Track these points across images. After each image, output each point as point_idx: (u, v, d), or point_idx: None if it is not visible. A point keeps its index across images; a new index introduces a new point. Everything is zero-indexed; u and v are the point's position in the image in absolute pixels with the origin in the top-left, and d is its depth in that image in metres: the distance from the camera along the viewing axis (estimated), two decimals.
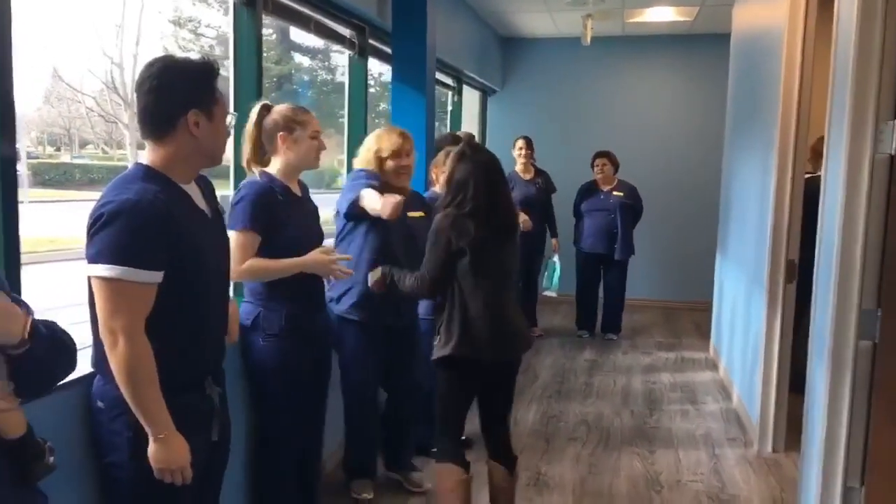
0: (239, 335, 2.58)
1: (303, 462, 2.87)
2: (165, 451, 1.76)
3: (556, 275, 6.10)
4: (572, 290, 6.53)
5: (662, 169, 7.60)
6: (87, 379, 1.88)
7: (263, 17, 3.24)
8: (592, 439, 4.14)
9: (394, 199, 2.81)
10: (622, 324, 6.58)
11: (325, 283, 2.83)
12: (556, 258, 6.14)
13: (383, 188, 3.04)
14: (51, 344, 1.32)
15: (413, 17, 4.25)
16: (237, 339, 2.57)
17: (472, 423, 2.98)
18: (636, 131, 7.66)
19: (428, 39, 4.29)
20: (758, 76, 4.63)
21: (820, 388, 2.56)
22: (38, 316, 1.38)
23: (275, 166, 2.64)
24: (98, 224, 1.70)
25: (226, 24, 3.14)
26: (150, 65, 1.80)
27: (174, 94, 1.79)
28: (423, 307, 3.48)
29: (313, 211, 2.80)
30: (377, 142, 3.19)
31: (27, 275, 1.95)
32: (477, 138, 6.45)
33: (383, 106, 9.07)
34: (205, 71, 1.83)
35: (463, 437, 2.94)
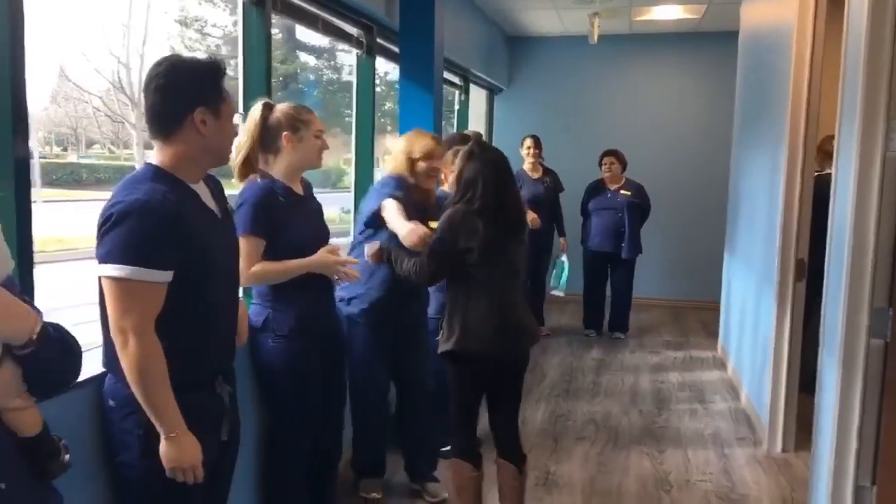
0: (248, 336, 2.57)
1: (318, 463, 2.87)
2: (177, 449, 1.77)
3: (564, 274, 6.09)
4: (579, 289, 6.52)
5: (670, 167, 7.58)
6: (98, 378, 1.89)
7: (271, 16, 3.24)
8: (601, 438, 4.14)
9: (421, 231, 2.79)
10: (629, 323, 6.57)
11: (335, 281, 2.82)
12: (564, 257, 6.13)
13: (412, 191, 3.05)
14: (58, 346, 1.33)
15: (421, 15, 4.25)
16: (246, 341, 2.57)
17: (482, 422, 2.98)
18: (644, 130, 7.64)
19: (436, 38, 4.29)
20: (767, 74, 4.61)
21: (831, 387, 2.55)
22: (45, 317, 1.38)
23: (277, 166, 2.62)
24: (108, 224, 1.71)
25: (232, 23, 3.14)
26: (158, 64, 1.81)
27: (181, 93, 1.80)
28: (432, 307, 3.48)
29: (317, 210, 2.79)
30: (408, 144, 3.18)
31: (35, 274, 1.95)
32: (484, 137, 6.44)
33: (389, 105, 9.07)
34: (212, 70, 1.84)
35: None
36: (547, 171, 6.29)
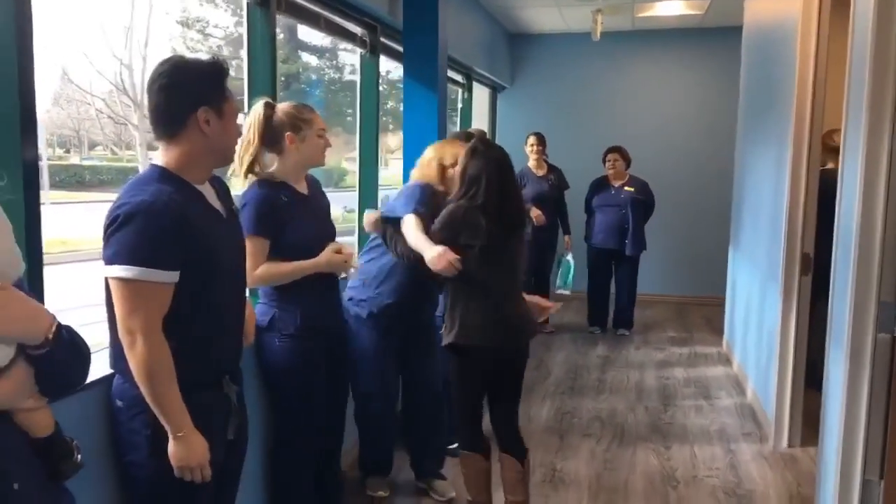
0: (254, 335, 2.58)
1: (321, 462, 2.87)
2: (184, 449, 1.78)
3: (570, 274, 6.09)
4: (584, 285, 6.52)
5: (673, 164, 7.57)
6: (106, 379, 1.89)
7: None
8: (607, 435, 4.14)
9: (450, 257, 2.67)
10: (634, 319, 6.57)
11: (342, 277, 2.82)
12: (569, 257, 6.13)
13: (439, 197, 3.03)
14: (70, 348, 1.33)
15: (424, 14, 4.24)
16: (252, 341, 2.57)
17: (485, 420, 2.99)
18: (647, 126, 7.63)
19: (440, 36, 4.29)
20: (771, 69, 4.60)
21: (838, 382, 2.54)
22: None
23: (280, 166, 2.62)
24: (114, 226, 1.72)
25: (233, 24, 3.14)
26: (161, 64, 1.83)
27: (184, 92, 1.82)
28: (441, 307, 3.48)
29: (324, 208, 2.79)
30: (439, 151, 3.18)
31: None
32: (487, 135, 6.44)
33: (391, 104, 9.06)
34: (214, 69, 1.85)
35: None
36: (551, 169, 6.29)
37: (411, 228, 2.85)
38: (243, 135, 2.52)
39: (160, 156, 1.87)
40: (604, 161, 6.30)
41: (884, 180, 2.33)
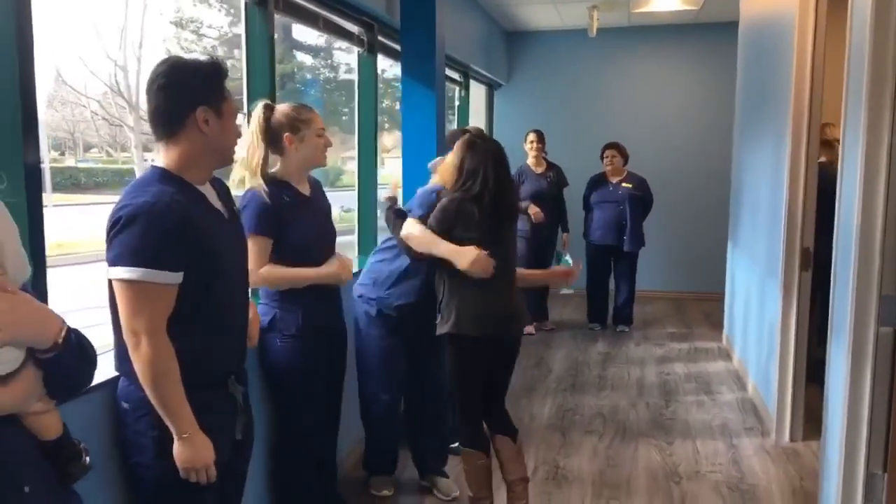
0: None
1: (321, 461, 2.87)
2: (190, 450, 1.78)
3: None
4: (583, 282, 6.52)
5: (671, 160, 7.58)
6: (111, 382, 1.89)
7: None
8: (609, 432, 4.14)
9: (483, 259, 2.69)
10: (634, 315, 6.57)
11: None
12: (568, 256, 6.12)
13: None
14: (78, 352, 1.33)
15: (422, 12, 4.24)
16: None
17: None
18: (644, 122, 7.64)
19: (437, 34, 4.29)
20: (768, 63, 4.60)
21: (840, 376, 2.55)
22: None
23: (282, 167, 2.62)
24: (117, 227, 1.72)
25: (227, 24, 3.14)
26: (160, 65, 1.83)
27: (183, 92, 1.82)
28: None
29: (325, 209, 2.79)
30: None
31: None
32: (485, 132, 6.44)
33: (386, 103, 9.05)
34: (213, 69, 1.85)
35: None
36: (550, 166, 6.29)
37: (413, 229, 2.85)
38: (248, 140, 2.53)
39: (160, 157, 1.86)
40: (601, 158, 6.30)
41: (884, 174, 2.34)
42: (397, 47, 4.48)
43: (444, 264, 2.76)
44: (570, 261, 6.01)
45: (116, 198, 1.80)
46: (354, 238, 4.53)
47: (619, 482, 3.51)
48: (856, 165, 2.42)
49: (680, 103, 7.68)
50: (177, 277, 1.76)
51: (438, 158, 3.28)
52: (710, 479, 3.53)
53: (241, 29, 3.12)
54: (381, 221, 3.69)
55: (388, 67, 6.05)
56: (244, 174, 2.52)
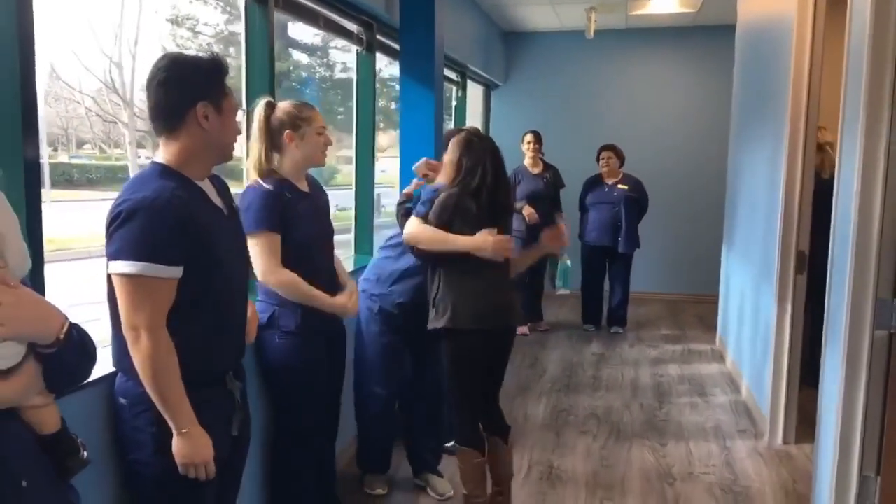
0: None
1: (318, 460, 2.87)
2: (189, 445, 1.77)
3: (568, 273, 6.08)
4: (578, 283, 6.53)
5: (667, 162, 7.60)
6: (108, 377, 1.88)
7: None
8: (603, 432, 4.15)
9: (504, 240, 2.76)
10: (627, 317, 6.59)
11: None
12: (567, 259, 6.13)
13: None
14: (78, 347, 1.33)
15: (421, 11, 4.24)
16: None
17: None
18: (641, 124, 7.66)
19: (436, 34, 4.29)
20: (766, 67, 4.62)
21: (834, 379, 2.56)
22: None
23: (282, 165, 2.61)
24: (117, 222, 1.72)
25: (224, 21, 3.14)
26: (160, 60, 1.83)
27: (183, 87, 1.82)
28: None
29: (324, 206, 2.79)
30: None
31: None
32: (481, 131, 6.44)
33: (382, 102, 9.04)
34: (213, 65, 1.86)
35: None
36: (547, 167, 6.30)
37: (415, 226, 2.86)
38: (252, 137, 2.53)
39: (160, 153, 1.87)
40: (597, 159, 6.32)
41: (881, 177, 2.35)
42: (396, 46, 4.48)
43: (446, 259, 2.77)
44: (569, 263, 6.04)
45: (110, 195, 1.79)
46: (351, 237, 4.52)
47: (612, 483, 3.52)
48: (853, 169, 2.43)
49: (676, 106, 7.70)
50: (176, 272, 1.76)
51: (422, 160, 3.29)
52: (704, 480, 3.54)
53: (237, 27, 3.12)
54: (379, 220, 3.69)
55: (384, 67, 6.04)
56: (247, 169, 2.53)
